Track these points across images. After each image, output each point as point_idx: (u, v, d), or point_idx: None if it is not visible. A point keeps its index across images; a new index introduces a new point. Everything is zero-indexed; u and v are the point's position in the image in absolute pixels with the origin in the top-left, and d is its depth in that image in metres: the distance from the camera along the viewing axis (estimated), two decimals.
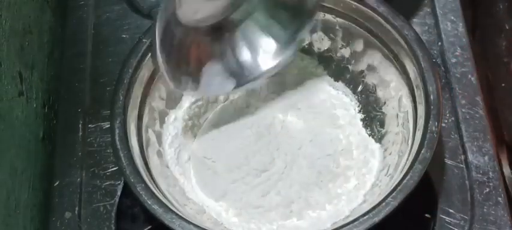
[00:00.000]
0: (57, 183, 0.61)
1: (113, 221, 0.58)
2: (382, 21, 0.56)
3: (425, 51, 0.54)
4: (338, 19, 0.59)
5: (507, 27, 0.71)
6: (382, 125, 0.60)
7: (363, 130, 0.60)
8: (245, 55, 0.53)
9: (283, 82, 0.63)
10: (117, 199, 0.59)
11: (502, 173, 0.59)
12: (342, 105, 0.62)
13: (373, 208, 0.48)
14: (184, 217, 0.48)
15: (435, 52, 0.66)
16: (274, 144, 0.58)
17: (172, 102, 0.61)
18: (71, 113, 0.65)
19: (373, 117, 0.61)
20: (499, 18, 0.73)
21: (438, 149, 0.58)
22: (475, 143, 0.60)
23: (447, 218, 0.57)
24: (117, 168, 0.60)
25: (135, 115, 0.55)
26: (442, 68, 0.64)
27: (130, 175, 0.50)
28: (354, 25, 0.59)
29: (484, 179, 0.58)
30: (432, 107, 0.51)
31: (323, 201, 0.56)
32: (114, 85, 0.55)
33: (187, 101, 0.61)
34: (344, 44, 0.61)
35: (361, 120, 0.61)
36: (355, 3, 0.57)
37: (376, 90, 0.61)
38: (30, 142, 0.61)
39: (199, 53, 0.54)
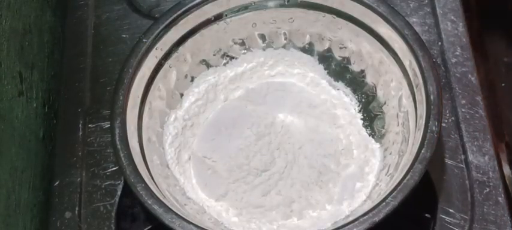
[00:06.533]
0: (57, 183, 0.61)
1: (113, 221, 0.58)
2: (382, 21, 0.56)
3: (426, 51, 0.54)
4: (338, 19, 0.59)
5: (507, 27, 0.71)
6: (382, 125, 0.60)
7: (363, 129, 0.61)
8: None
9: (283, 82, 0.63)
10: (117, 199, 0.59)
11: (502, 173, 0.59)
12: (342, 104, 0.62)
13: (373, 208, 0.48)
14: (184, 217, 0.48)
15: (435, 52, 0.65)
16: (275, 143, 0.58)
17: (172, 102, 0.61)
18: (71, 113, 0.65)
19: (373, 117, 0.61)
20: (499, 19, 0.73)
21: (438, 149, 0.58)
22: (475, 143, 0.60)
23: (447, 218, 0.57)
24: (117, 168, 0.60)
25: (135, 115, 0.55)
26: (442, 68, 0.64)
27: (131, 175, 0.50)
28: (353, 25, 0.59)
29: (484, 179, 0.58)
30: (432, 107, 0.51)
31: (323, 201, 0.56)
32: (114, 85, 0.55)
33: (187, 101, 0.61)
34: (344, 44, 0.61)
35: (361, 119, 0.61)
36: (355, 3, 0.57)
37: (376, 89, 0.61)
38: (30, 142, 0.61)
39: None
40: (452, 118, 0.62)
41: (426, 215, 0.57)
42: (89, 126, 0.64)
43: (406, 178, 0.48)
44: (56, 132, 0.65)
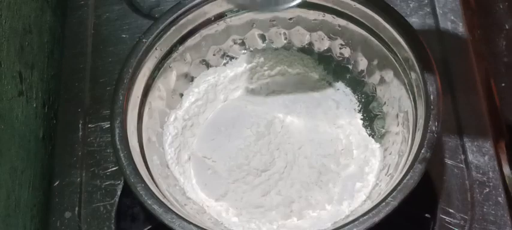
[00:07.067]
0: (57, 183, 0.61)
1: (113, 221, 0.58)
2: (382, 21, 0.56)
3: (425, 51, 0.54)
4: (338, 19, 0.59)
5: (507, 27, 0.71)
6: (382, 125, 0.60)
7: (363, 130, 0.61)
8: None
9: (283, 82, 0.63)
10: (117, 199, 0.59)
11: (502, 173, 0.59)
12: (342, 105, 0.62)
13: (373, 208, 0.48)
14: (184, 217, 0.48)
15: (435, 52, 0.65)
16: (275, 143, 0.58)
17: (172, 102, 0.61)
18: (71, 113, 0.65)
19: (373, 117, 0.61)
20: (499, 18, 0.73)
21: (438, 149, 0.58)
22: (475, 143, 0.60)
23: (447, 218, 0.57)
24: (117, 167, 0.60)
25: (135, 115, 0.55)
26: (442, 68, 0.64)
27: (131, 175, 0.50)
28: (354, 25, 0.59)
29: (484, 179, 0.58)
30: (432, 107, 0.51)
31: (323, 201, 0.56)
32: (114, 85, 0.55)
33: (187, 101, 0.61)
34: (344, 44, 0.61)
35: (361, 119, 0.61)
36: (355, 3, 0.57)
37: (376, 90, 0.61)
38: (30, 142, 0.61)
39: None
40: (452, 118, 0.62)
41: (426, 215, 0.57)
42: (89, 126, 0.64)
43: (406, 178, 0.48)
44: (56, 132, 0.65)
